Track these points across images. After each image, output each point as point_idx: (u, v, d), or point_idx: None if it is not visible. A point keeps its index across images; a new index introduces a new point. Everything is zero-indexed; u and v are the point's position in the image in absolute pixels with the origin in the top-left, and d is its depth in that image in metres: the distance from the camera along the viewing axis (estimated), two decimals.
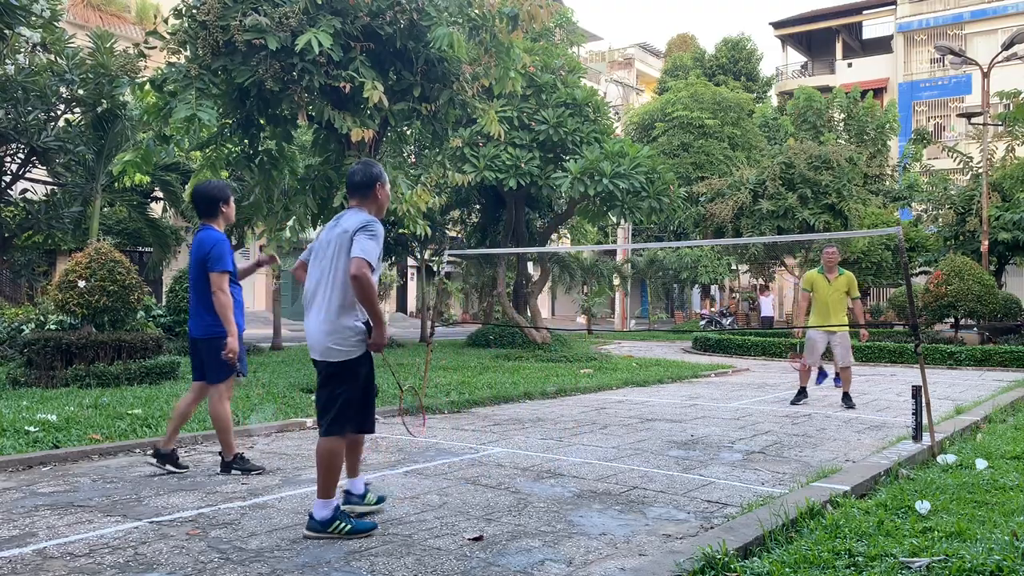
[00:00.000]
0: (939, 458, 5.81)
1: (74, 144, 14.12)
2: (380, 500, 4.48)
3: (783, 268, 29.30)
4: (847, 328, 9.51)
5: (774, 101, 41.99)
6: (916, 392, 6.41)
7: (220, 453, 5.51)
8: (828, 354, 9.62)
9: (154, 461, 5.43)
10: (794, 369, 9.88)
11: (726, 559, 3.39)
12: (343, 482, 4.27)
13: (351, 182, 4.26)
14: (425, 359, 10.24)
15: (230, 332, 5.19)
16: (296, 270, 4.45)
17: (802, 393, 9.70)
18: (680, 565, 3.32)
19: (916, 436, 6.41)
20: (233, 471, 5.41)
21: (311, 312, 4.10)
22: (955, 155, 22.42)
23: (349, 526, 3.99)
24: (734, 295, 39.12)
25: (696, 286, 37.91)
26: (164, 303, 15.52)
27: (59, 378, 9.11)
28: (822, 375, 10.59)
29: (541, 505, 4.65)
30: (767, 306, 29.39)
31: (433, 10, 8.37)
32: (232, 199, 5.58)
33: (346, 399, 4.04)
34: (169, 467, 5.40)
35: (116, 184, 15.11)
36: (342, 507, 4.14)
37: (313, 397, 8.74)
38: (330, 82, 8.28)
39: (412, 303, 38.51)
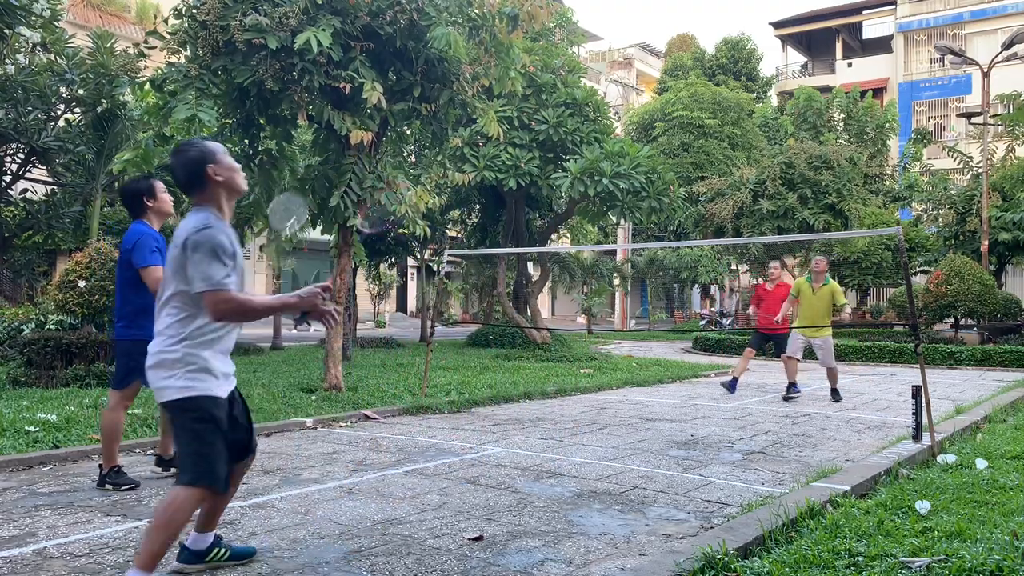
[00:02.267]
0: (939, 458, 5.82)
1: (74, 144, 14.12)
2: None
3: (783, 268, 29.32)
4: (829, 333, 9.91)
5: (774, 101, 41.99)
6: (916, 392, 6.41)
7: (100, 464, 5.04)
8: (812, 355, 10.21)
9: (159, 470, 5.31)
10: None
11: (726, 559, 3.40)
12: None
13: (175, 182, 3.35)
14: (425, 359, 10.24)
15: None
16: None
17: (793, 387, 10.05)
18: (680, 565, 3.32)
19: (916, 436, 6.41)
20: (107, 485, 4.93)
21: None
22: (955, 155, 22.43)
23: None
24: (735, 294, 39.15)
25: (696, 286, 37.91)
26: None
27: (59, 378, 9.10)
28: (795, 388, 10.33)
29: (541, 505, 4.65)
30: None
31: (433, 10, 8.36)
32: (160, 191, 5.07)
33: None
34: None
35: (116, 184, 15.10)
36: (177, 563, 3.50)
37: (313, 397, 8.78)
38: (330, 82, 8.28)
39: (412, 303, 38.52)
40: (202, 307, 3.09)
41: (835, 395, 9.95)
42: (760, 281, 10.84)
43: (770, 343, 10.86)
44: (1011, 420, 7.96)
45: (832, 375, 10.01)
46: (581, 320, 36.15)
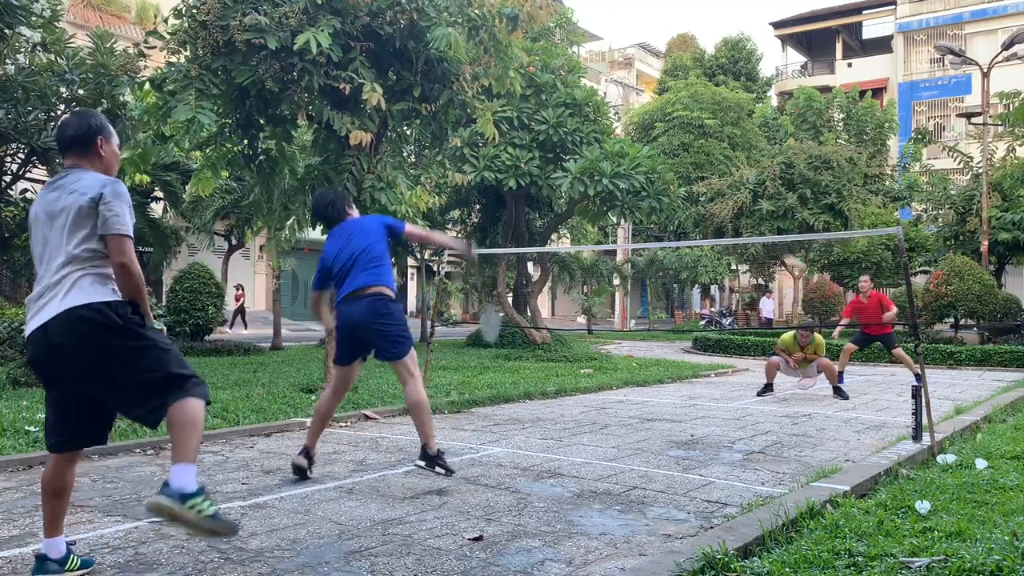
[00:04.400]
0: (939, 458, 5.82)
1: None
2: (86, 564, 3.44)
3: (783, 268, 29.32)
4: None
5: (774, 101, 42.01)
6: (916, 392, 6.41)
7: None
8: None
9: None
10: (795, 376, 10.53)
11: (726, 559, 3.40)
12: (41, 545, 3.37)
13: (62, 136, 3.32)
14: (425, 359, 10.24)
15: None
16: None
17: (769, 388, 10.28)
18: (680, 565, 3.32)
19: (916, 436, 6.41)
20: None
21: (38, 298, 3.23)
22: (955, 155, 22.43)
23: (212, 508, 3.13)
24: (735, 295, 39.16)
25: (696, 286, 37.93)
26: (164, 303, 15.51)
27: None
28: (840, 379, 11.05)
29: (541, 505, 4.65)
30: (767, 308, 29.40)
31: (433, 10, 8.37)
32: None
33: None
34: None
35: None
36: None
37: (313, 397, 8.76)
38: (330, 82, 8.28)
39: (412, 303, 38.52)
40: None
41: (838, 393, 10.09)
42: (854, 294, 11.89)
43: (875, 342, 11.69)
44: (1011, 420, 7.96)
45: (832, 373, 10.15)
46: (581, 320, 36.16)
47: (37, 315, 3.19)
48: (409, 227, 5.50)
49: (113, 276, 3.20)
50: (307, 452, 5.29)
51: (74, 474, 3.36)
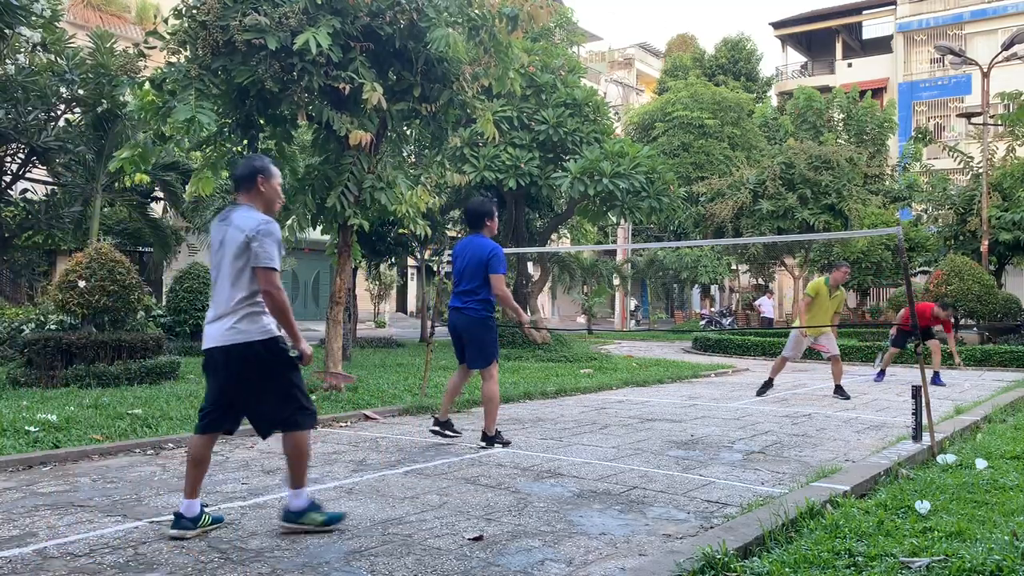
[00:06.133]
0: (939, 458, 5.81)
1: (74, 144, 14.12)
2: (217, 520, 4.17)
3: (783, 268, 29.31)
4: (833, 328, 10.53)
5: (774, 101, 41.99)
6: (916, 392, 6.41)
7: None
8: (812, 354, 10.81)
9: (437, 429, 6.70)
10: (825, 357, 10.66)
11: (726, 559, 3.40)
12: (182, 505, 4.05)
13: (233, 175, 4.21)
14: (425, 359, 10.24)
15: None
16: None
17: (769, 385, 10.35)
18: (680, 565, 3.32)
19: (916, 436, 6.41)
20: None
21: (210, 313, 4.05)
22: (955, 155, 22.43)
23: (323, 517, 4.09)
24: (735, 295, 39.16)
25: (696, 286, 37.92)
26: (164, 303, 15.51)
27: (59, 378, 9.11)
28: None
29: (541, 505, 4.65)
30: (768, 308, 29.39)
31: (432, 10, 8.36)
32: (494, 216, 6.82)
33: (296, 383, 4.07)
34: (448, 433, 6.73)
35: (116, 184, 15.13)
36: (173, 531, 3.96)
37: (313, 397, 8.74)
38: (329, 83, 8.28)
39: (412, 303, 38.52)
40: None
41: (840, 392, 10.10)
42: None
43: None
44: (1011, 420, 7.96)
45: (838, 370, 10.24)
46: (581, 320, 36.17)
47: (211, 336, 3.99)
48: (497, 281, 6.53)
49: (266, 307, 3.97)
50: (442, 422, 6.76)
51: (212, 451, 4.18)
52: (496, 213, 6.84)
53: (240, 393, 4.02)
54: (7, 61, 12.75)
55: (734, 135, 32.68)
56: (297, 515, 4.05)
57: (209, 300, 4.19)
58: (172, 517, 4.01)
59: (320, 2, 8.16)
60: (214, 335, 3.96)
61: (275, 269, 3.90)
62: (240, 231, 3.90)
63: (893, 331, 13.19)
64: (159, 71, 8.74)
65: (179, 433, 6.58)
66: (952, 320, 12.69)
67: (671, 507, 4.64)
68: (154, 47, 8.89)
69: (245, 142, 9.56)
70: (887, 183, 29.70)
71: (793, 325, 10.46)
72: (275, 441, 6.71)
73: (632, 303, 38.83)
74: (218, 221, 4.07)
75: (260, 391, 3.99)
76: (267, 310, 3.97)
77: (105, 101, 13.26)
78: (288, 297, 4.04)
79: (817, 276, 10.44)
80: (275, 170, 4.17)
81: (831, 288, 10.04)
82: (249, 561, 3.61)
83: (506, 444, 6.48)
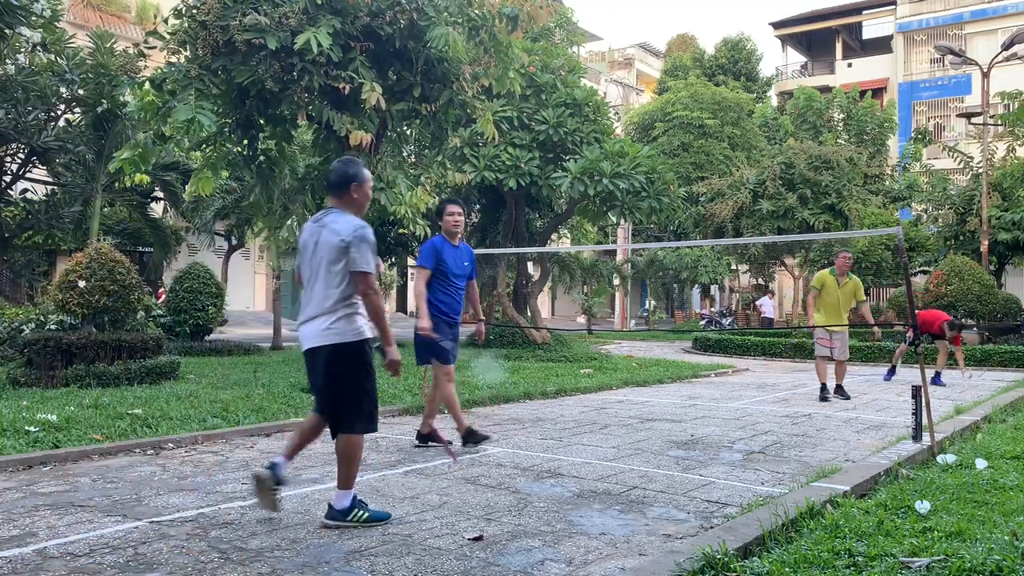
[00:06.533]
0: (939, 458, 5.81)
1: (74, 144, 14.12)
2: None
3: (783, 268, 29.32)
4: (847, 327, 10.22)
5: (774, 101, 41.98)
6: (916, 392, 6.41)
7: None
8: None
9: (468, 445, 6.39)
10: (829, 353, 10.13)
11: (726, 559, 3.40)
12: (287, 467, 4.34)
13: (328, 181, 4.35)
14: None
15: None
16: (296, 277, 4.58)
17: (825, 389, 9.96)
18: (680, 565, 3.32)
19: (916, 436, 6.41)
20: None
21: (306, 312, 4.20)
22: (955, 155, 22.42)
23: (367, 514, 4.18)
24: (735, 295, 39.16)
25: (696, 286, 37.91)
26: (164, 303, 15.51)
27: (59, 378, 9.10)
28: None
29: (541, 505, 4.65)
30: (768, 308, 29.39)
31: (432, 10, 8.36)
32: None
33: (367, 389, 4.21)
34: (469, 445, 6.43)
35: (116, 184, 15.13)
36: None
37: (312, 397, 8.75)
38: (330, 82, 8.28)
39: (411, 303, 38.50)
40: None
41: (841, 392, 10.07)
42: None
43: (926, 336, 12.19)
44: (1011, 420, 7.96)
45: (842, 371, 10.19)
46: (581, 320, 36.16)
47: (305, 335, 4.20)
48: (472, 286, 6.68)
49: (361, 309, 4.15)
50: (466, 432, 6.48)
51: (319, 432, 4.39)
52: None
53: (321, 383, 4.20)
54: (7, 61, 12.76)
55: (734, 135, 32.67)
56: (342, 514, 4.15)
57: (302, 299, 4.33)
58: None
59: (320, 2, 8.17)
60: (311, 335, 4.14)
61: (371, 273, 4.09)
62: (336, 235, 4.06)
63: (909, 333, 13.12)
64: (159, 71, 8.75)
65: (179, 433, 6.58)
66: (960, 336, 12.74)
67: (671, 507, 4.64)
68: (154, 47, 8.90)
69: (245, 142, 9.56)
70: (887, 183, 29.70)
71: (804, 325, 10.33)
72: (275, 440, 6.73)
73: (650, 303, 38.99)
74: (311, 223, 4.24)
75: (335, 387, 4.15)
76: (361, 312, 4.16)
77: (105, 101, 13.25)
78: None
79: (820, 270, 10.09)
80: (367, 174, 4.33)
81: (838, 278, 9.78)
82: (249, 561, 3.61)
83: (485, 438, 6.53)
